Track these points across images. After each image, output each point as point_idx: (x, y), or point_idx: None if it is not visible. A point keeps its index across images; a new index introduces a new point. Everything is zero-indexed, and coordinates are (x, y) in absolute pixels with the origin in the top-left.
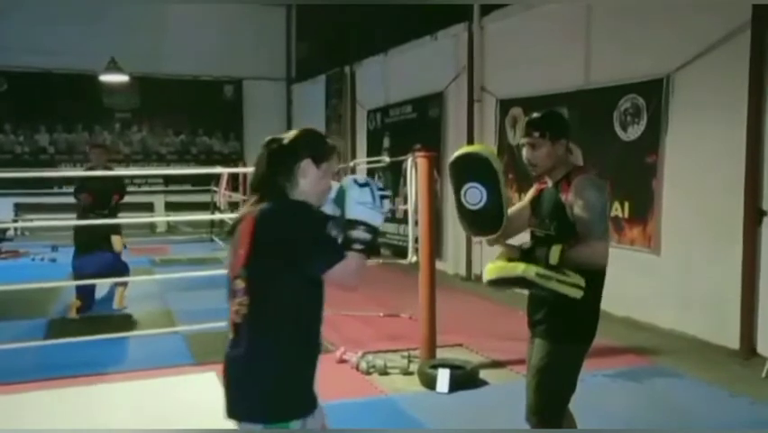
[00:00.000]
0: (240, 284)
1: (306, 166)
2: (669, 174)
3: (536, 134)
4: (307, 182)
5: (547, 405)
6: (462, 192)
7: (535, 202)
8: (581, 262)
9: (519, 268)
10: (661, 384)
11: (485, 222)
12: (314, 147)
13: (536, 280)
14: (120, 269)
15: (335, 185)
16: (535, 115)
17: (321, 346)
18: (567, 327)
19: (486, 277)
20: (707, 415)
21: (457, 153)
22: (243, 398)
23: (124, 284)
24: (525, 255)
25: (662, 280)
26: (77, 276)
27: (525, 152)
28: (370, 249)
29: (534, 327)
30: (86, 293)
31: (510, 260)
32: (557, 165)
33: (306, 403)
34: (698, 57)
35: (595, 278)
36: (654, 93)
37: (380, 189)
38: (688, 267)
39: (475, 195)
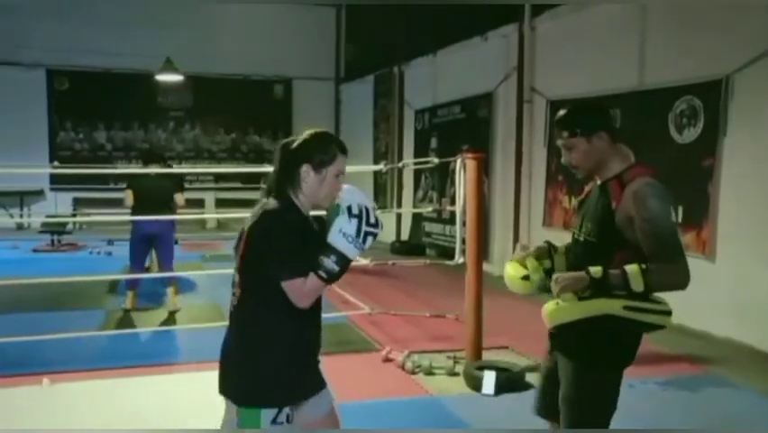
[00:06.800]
0: (236, 277)
1: (306, 171)
2: (726, 178)
3: (566, 134)
4: (308, 187)
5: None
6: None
7: (582, 202)
8: (667, 285)
9: (601, 305)
10: (713, 394)
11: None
12: (313, 153)
13: (626, 315)
14: (172, 235)
15: (346, 188)
16: (561, 112)
17: (310, 344)
18: (602, 350)
19: (552, 321)
20: (758, 426)
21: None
22: (226, 378)
23: (175, 284)
24: (597, 285)
25: (716, 288)
26: (134, 236)
27: (563, 155)
28: (334, 280)
29: (554, 337)
30: (138, 263)
31: (581, 297)
32: (603, 162)
33: (282, 395)
34: (759, 58)
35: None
36: (713, 94)
37: (372, 225)
38: (744, 274)
39: None
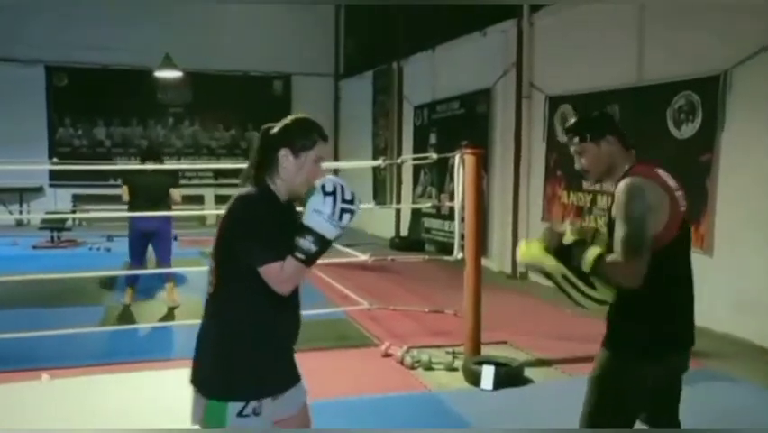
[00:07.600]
0: (211, 263)
1: (285, 155)
2: (724, 173)
3: (576, 140)
4: (285, 171)
5: (595, 420)
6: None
7: None
8: (614, 279)
9: (548, 263)
10: (713, 388)
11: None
12: (292, 137)
13: (559, 282)
14: (169, 231)
15: (326, 177)
16: (571, 120)
17: (286, 336)
18: (623, 337)
19: (519, 257)
20: (758, 420)
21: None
22: (197, 368)
23: (174, 280)
24: (562, 251)
25: (714, 283)
26: (132, 233)
27: (575, 162)
28: (312, 261)
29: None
30: (137, 259)
31: (547, 249)
32: (613, 166)
33: (253, 388)
34: (757, 53)
35: (662, 285)
36: (711, 90)
37: (348, 202)
38: (742, 269)
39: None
